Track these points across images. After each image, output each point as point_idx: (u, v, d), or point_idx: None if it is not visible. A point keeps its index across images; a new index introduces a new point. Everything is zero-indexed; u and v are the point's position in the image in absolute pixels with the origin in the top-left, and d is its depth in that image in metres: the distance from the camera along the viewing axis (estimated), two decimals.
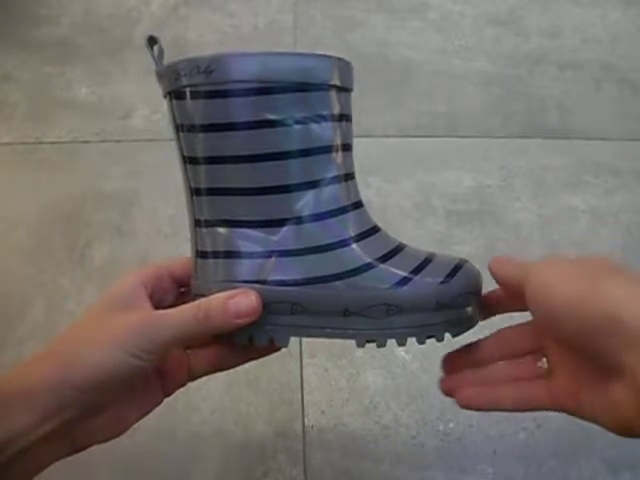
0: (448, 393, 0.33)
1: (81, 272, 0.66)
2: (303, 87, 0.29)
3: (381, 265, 0.31)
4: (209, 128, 0.30)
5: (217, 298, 0.29)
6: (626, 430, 0.25)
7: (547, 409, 0.30)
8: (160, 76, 0.31)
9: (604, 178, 0.76)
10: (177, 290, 0.34)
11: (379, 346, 0.31)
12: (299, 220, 0.30)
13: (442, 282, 0.31)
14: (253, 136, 0.29)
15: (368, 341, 0.31)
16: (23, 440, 0.26)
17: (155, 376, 0.33)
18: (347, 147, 0.32)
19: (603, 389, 0.25)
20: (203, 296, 0.30)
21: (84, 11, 0.90)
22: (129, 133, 0.77)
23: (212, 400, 0.57)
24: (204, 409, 0.56)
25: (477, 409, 0.32)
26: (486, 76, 0.85)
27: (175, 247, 0.67)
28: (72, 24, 0.89)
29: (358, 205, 0.33)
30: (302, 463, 0.54)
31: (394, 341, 0.31)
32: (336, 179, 0.31)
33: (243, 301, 0.29)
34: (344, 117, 0.32)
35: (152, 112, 0.79)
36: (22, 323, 0.61)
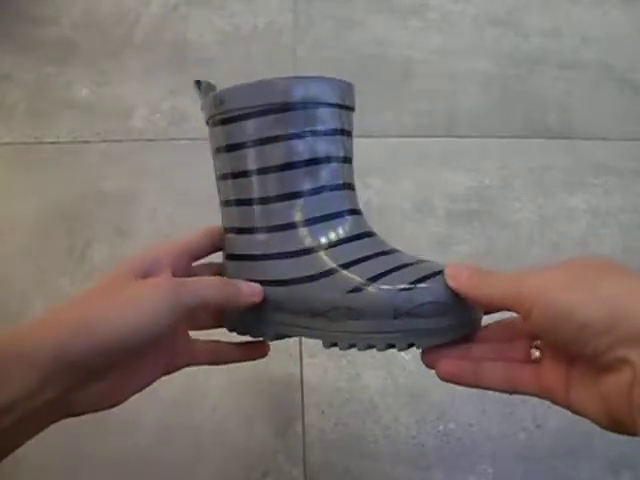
0: (429, 364, 0.32)
1: (81, 272, 0.66)
2: (291, 107, 0.32)
3: (344, 271, 0.32)
4: (228, 149, 0.34)
5: (234, 280, 0.34)
6: (616, 425, 0.25)
7: (532, 394, 0.29)
8: (202, 109, 0.36)
9: (604, 178, 0.76)
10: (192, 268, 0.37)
11: (341, 349, 0.32)
12: (295, 225, 0.33)
13: (403, 289, 0.30)
14: (262, 151, 0.32)
15: (332, 344, 0.32)
16: (25, 405, 0.26)
17: (162, 352, 0.33)
18: (347, 160, 0.35)
19: (595, 383, 0.26)
20: None
21: (84, 11, 0.90)
22: (129, 133, 0.77)
23: (212, 400, 0.57)
24: (204, 409, 0.56)
25: (457, 383, 0.31)
26: (486, 76, 0.85)
27: None
28: (72, 24, 0.89)
29: (354, 212, 0.34)
30: (302, 463, 0.54)
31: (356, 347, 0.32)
32: (336, 187, 0.33)
33: (254, 286, 0.34)
34: (345, 132, 0.34)
35: (152, 112, 0.79)
36: (21, 323, 0.61)
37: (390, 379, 0.59)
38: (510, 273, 0.28)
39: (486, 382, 0.30)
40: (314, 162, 0.32)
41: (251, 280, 0.34)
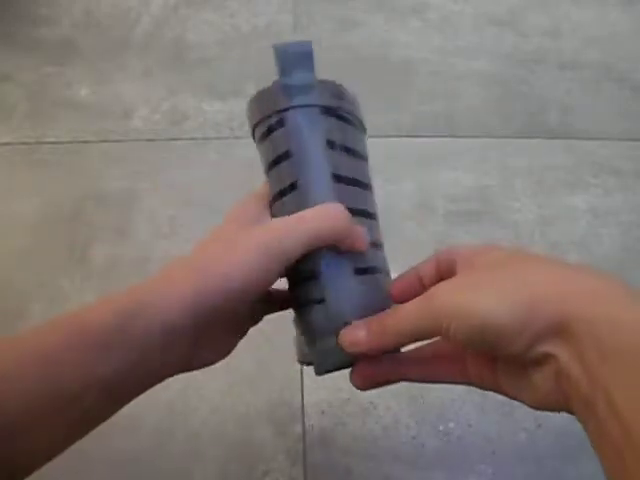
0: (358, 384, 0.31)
1: (81, 272, 0.65)
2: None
3: None
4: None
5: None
6: (545, 407, 0.25)
7: (458, 383, 0.29)
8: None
9: (604, 178, 0.76)
10: None
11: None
12: None
13: None
14: None
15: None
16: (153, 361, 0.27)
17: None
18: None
19: (522, 375, 0.25)
20: None
21: (84, 11, 0.90)
22: (129, 133, 0.77)
23: (212, 400, 0.57)
24: (204, 409, 0.56)
25: (377, 385, 0.31)
26: (486, 76, 0.85)
27: (175, 247, 0.67)
28: (72, 24, 0.89)
29: None
30: (302, 463, 0.54)
31: None
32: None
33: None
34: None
35: (152, 112, 0.79)
36: (21, 323, 0.61)
37: None
38: (416, 299, 0.26)
39: (409, 376, 0.30)
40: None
41: None
